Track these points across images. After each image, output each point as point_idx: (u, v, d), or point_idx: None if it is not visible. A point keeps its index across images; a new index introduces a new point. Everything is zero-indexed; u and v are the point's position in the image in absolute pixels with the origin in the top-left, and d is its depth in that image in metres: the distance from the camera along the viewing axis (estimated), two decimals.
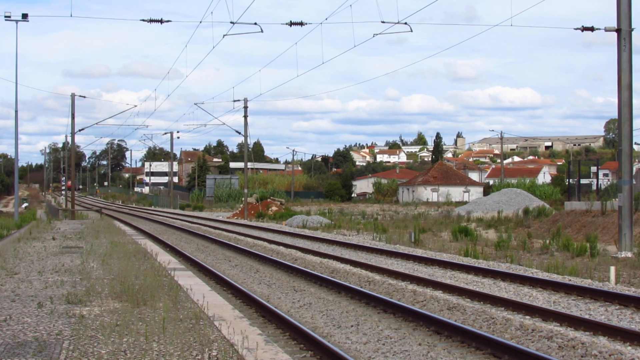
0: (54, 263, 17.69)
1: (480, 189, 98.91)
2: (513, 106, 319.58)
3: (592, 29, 25.14)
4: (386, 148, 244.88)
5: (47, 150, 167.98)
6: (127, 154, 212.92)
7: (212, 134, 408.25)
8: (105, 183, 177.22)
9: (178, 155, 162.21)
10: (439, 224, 40.43)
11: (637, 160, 67.15)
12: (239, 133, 59.23)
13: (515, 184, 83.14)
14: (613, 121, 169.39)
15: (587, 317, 11.90)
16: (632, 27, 23.12)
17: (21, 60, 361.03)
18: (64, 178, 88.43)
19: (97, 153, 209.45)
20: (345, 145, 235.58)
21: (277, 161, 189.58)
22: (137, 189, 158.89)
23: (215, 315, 10.60)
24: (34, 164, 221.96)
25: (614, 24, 23.30)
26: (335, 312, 13.54)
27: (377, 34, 27.46)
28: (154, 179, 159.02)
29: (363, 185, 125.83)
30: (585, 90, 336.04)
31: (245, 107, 58.07)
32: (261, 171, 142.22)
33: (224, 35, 31.07)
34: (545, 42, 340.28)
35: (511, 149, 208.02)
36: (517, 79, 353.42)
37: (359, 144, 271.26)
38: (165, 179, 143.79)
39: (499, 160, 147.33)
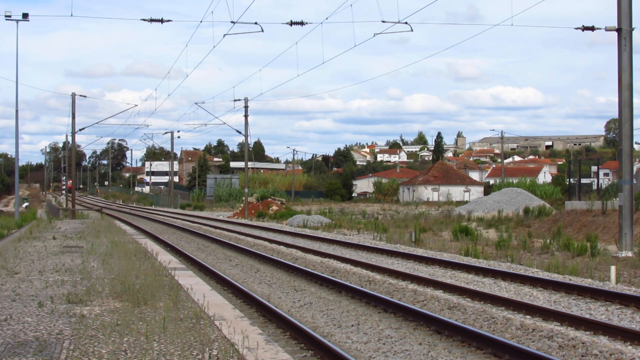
0: (55, 262, 17.70)
1: (481, 189, 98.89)
2: (515, 106, 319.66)
3: (592, 28, 25.14)
4: (387, 147, 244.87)
5: (48, 150, 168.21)
6: (128, 153, 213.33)
7: (212, 134, 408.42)
8: (106, 182, 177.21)
9: (178, 155, 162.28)
10: (439, 223, 40.43)
11: (637, 160, 67.13)
12: (240, 133, 59.27)
13: (515, 183, 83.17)
14: (614, 121, 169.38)
15: (587, 316, 11.90)
16: (633, 26, 23.12)
17: (22, 60, 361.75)
18: (64, 177, 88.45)
19: (98, 152, 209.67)
20: (346, 145, 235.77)
21: (277, 161, 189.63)
22: (137, 189, 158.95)
23: (216, 314, 10.60)
24: (35, 164, 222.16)
25: (614, 23, 23.30)
26: (335, 311, 13.54)
27: (377, 34, 27.47)
28: (155, 179, 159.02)
29: (363, 185, 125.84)
30: (587, 90, 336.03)
31: (246, 107, 58.10)
32: (262, 171, 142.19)
33: (225, 35, 31.11)
34: (547, 42, 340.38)
35: (512, 149, 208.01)
36: (519, 79, 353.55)
37: (360, 143, 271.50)
38: (165, 179, 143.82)
39: (499, 160, 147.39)
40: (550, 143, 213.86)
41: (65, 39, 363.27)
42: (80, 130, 61.13)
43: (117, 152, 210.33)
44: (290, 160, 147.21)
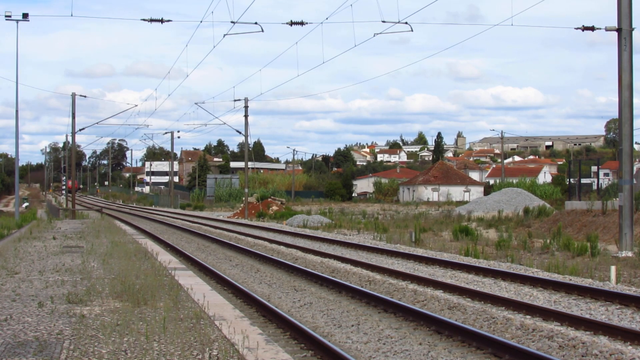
0: (55, 262, 17.70)
1: (481, 189, 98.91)
2: (516, 106, 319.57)
3: (592, 28, 25.15)
4: (387, 148, 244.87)
5: (48, 150, 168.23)
6: (128, 153, 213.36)
7: (213, 134, 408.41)
8: (106, 182, 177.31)
9: (178, 155, 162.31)
10: (439, 223, 40.43)
11: (637, 160, 67.13)
12: (240, 133, 59.28)
13: (515, 183, 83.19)
14: (614, 121, 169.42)
15: (587, 316, 11.90)
16: (633, 26, 23.12)
17: (22, 60, 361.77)
18: (64, 178, 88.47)
19: (98, 152, 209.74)
20: (346, 145, 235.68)
21: (277, 161, 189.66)
22: (137, 189, 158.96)
23: (216, 314, 10.60)
24: (35, 164, 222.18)
25: (614, 23, 23.30)
26: (335, 311, 13.54)
27: (377, 34, 27.47)
28: (155, 179, 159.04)
29: (364, 185, 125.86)
30: (587, 90, 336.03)
31: (246, 107, 58.10)
32: (262, 171, 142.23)
33: (225, 35, 31.11)
34: (547, 42, 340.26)
35: (512, 149, 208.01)
36: (519, 79, 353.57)
37: (360, 143, 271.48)
38: (165, 179, 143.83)
39: (499, 160, 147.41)
40: (550, 143, 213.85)
41: (65, 39, 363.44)
42: (80, 130, 61.18)
43: (117, 152, 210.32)
44: (290, 160, 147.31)
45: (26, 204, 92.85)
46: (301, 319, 12.90)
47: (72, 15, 42.60)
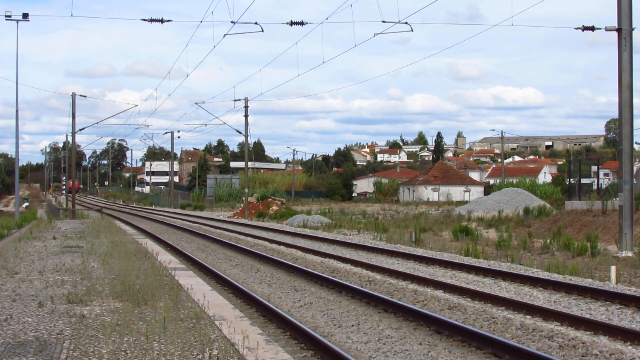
0: (55, 262, 17.70)
1: (481, 189, 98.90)
2: (516, 106, 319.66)
3: (592, 28, 25.15)
4: (387, 147, 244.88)
5: (48, 150, 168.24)
6: (128, 153, 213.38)
7: (213, 134, 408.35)
8: (106, 182, 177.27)
9: (179, 155, 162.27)
10: (439, 223, 40.43)
11: (637, 160, 67.13)
12: (240, 133, 59.29)
13: (515, 183, 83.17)
14: (614, 121, 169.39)
15: (587, 316, 11.90)
16: (633, 26, 23.12)
17: (22, 60, 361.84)
18: (64, 177, 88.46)
19: (98, 152, 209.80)
20: (346, 145, 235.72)
21: (277, 161, 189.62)
22: (137, 189, 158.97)
23: (216, 314, 10.60)
24: (35, 164, 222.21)
25: (614, 23, 23.30)
26: (335, 311, 13.54)
27: (377, 34, 27.48)
28: (155, 179, 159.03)
29: (364, 185, 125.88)
30: (588, 90, 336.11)
31: (246, 107, 58.11)
32: (262, 171, 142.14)
33: (225, 35, 31.13)
34: (547, 42, 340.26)
35: (512, 149, 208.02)
36: (519, 79, 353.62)
37: (360, 143, 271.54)
38: (165, 179, 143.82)
39: (499, 160, 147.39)
40: (550, 143, 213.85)
41: (65, 39, 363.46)
42: (80, 130, 61.18)
43: (117, 152, 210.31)
44: (291, 160, 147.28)
45: (26, 203, 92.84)
46: (301, 319, 12.90)
47: (72, 15, 42.69)
